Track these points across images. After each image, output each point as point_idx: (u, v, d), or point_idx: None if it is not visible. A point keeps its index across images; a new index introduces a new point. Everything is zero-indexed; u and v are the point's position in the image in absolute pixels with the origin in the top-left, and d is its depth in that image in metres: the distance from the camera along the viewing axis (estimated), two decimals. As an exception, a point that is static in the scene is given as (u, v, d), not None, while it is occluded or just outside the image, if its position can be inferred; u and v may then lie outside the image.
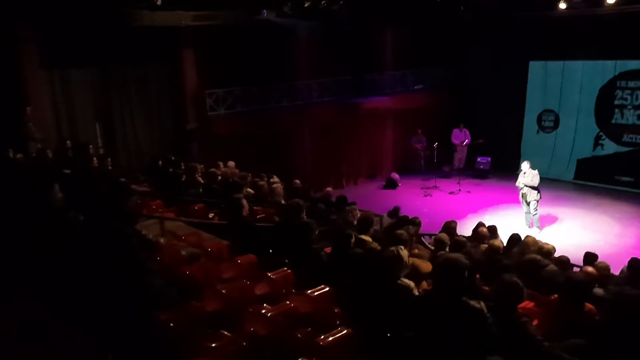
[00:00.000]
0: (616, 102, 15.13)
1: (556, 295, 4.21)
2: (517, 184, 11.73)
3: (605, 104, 15.28)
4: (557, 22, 14.93)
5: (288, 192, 7.28)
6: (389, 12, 14.12)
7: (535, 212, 11.66)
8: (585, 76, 15.58)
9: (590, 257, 6.81)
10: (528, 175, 11.50)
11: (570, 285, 4.09)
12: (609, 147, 15.31)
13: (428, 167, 16.47)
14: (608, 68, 15.15)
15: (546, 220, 12.00)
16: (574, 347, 3.50)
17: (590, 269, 5.78)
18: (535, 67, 16.63)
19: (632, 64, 14.71)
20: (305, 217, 5.50)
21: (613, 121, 15.24)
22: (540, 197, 11.59)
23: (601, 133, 15.45)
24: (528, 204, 11.63)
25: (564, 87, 16.05)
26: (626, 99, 14.96)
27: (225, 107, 13.12)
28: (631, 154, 14.90)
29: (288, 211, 5.63)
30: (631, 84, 14.85)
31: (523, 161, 12.01)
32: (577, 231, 11.51)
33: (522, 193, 11.65)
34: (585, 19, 14.36)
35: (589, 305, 4.13)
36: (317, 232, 5.01)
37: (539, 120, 16.74)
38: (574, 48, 15.15)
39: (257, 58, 12.96)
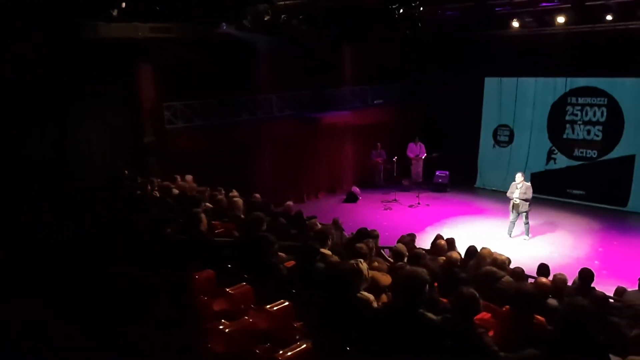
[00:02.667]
0: (567, 118, 15.60)
1: (508, 307, 4.28)
2: (509, 194, 12.06)
3: (557, 119, 15.74)
4: (511, 40, 15.36)
5: (248, 207, 7.24)
6: (348, 28, 14.25)
7: (527, 222, 12.05)
8: (538, 92, 16.03)
9: (543, 269, 6.97)
10: (522, 187, 11.84)
11: (520, 296, 4.18)
12: (561, 161, 15.75)
13: (388, 181, 16.66)
14: (559, 85, 15.61)
15: (502, 232, 12.25)
16: (528, 357, 3.56)
17: (544, 280, 5.90)
18: (490, 83, 17.02)
19: (582, 81, 15.21)
20: (265, 231, 5.48)
21: (564, 136, 15.69)
22: (531, 209, 12.00)
23: (553, 147, 15.88)
24: (518, 214, 11.97)
25: (517, 103, 16.47)
26: (576, 115, 15.44)
27: (184, 120, 12.94)
28: (582, 168, 15.37)
29: (248, 225, 5.60)
30: (581, 100, 15.33)
31: (516, 173, 12.26)
32: (531, 243, 11.79)
33: (515, 204, 11.93)
34: (537, 37, 14.80)
35: (538, 317, 4.22)
36: (276, 246, 4.99)
37: (495, 135, 17.11)
38: (526, 65, 15.57)
39: (217, 71, 12.89)
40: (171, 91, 12.61)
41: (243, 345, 3.61)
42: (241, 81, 13.67)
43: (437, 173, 16.75)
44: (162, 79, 12.52)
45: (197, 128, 13.07)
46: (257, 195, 7.85)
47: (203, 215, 5.58)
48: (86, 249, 5.11)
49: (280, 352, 3.49)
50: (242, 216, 6.94)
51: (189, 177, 8.98)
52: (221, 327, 3.72)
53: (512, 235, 12.11)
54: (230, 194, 7.93)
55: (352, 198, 15.56)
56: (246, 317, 3.96)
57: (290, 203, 8.32)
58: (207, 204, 7.08)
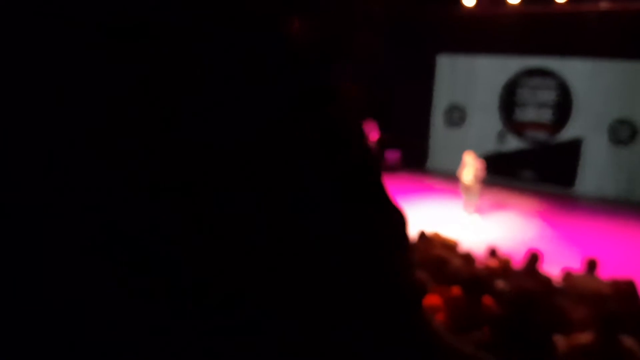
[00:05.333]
0: (518, 99, 15.81)
1: (457, 289, 4.24)
2: (460, 174, 12.13)
3: (508, 100, 15.94)
4: (464, 18, 15.41)
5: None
6: (294, 3, 13.96)
7: (476, 200, 12.16)
8: (490, 73, 16.16)
9: (492, 251, 7.01)
10: (473, 167, 11.93)
11: (468, 279, 4.13)
12: (512, 143, 15.99)
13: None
14: (511, 65, 15.79)
15: (453, 215, 12.34)
16: (475, 340, 3.52)
17: (492, 262, 5.92)
18: (443, 62, 17.07)
19: (533, 62, 15.40)
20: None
21: (515, 118, 15.92)
22: (481, 188, 12.17)
23: (505, 129, 16.09)
24: (471, 193, 12.07)
25: (470, 83, 16.58)
26: (527, 96, 15.66)
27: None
28: (532, 150, 15.65)
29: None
30: (532, 81, 15.55)
31: (466, 154, 12.27)
32: (481, 225, 11.91)
33: (466, 184, 12.00)
34: (490, 16, 14.90)
35: (488, 298, 4.18)
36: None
37: (447, 115, 17.21)
38: (479, 44, 15.66)
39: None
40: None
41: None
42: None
43: (387, 154, 16.75)
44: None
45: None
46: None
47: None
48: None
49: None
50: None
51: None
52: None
53: (468, 214, 12.21)
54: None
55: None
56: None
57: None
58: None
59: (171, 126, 0.27)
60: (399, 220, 0.40)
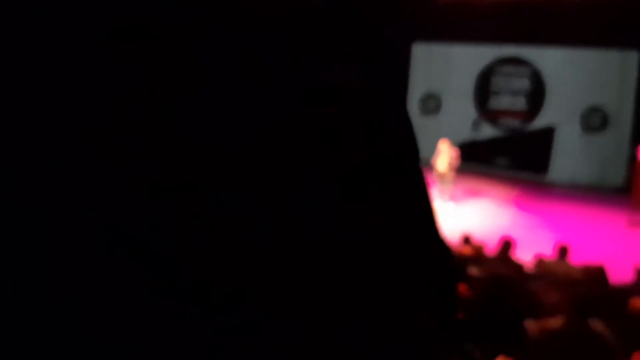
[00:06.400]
0: (493, 87, 15.94)
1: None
2: (434, 162, 12.21)
3: (483, 88, 16.06)
4: (439, 6, 15.45)
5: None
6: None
7: (450, 187, 12.25)
8: (465, 61, 16.25)
9: (466, 238, 7.07)
10: (448, 155, 12.10)
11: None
12: (487, 131, 16.12)
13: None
14: (486, 53, 15.90)
15: (428, 202, 12.41)
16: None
17: (465, 249, 5.97)
18: (419, 50, 17.11)
19: (508, 50, 15.53)
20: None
21: (490, 106, 16.05)
22: (454, 175, 12.32)
23: (479, 117, 16.21)
24: (444, 181, 12.19)
25: (445, 71, 16.63)
26: (502, 84, 15.80)
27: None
28: (507, 138, 15.81)
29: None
30: (506, 69, 15.68)
31: (440, 142, 12.45)
32: (455, 213, 12.00)
33: (442, 173, 12.08)
34: (466, 4, 14.98)
35: (461, 285, 4.21)
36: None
37: (423, 103, 17.27)
38: (455, 32, 15.72)
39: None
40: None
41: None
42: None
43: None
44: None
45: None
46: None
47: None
48: None
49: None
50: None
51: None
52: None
53: (443, 202, 12.29)
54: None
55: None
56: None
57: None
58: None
59: (171, 126, 0.27)
60: (403, 220, 0.40)
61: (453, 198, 12.39)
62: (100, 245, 0.25)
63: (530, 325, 3.51)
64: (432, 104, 17.08)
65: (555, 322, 3.56)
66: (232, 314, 0.28)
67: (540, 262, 6.64)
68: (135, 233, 0.26)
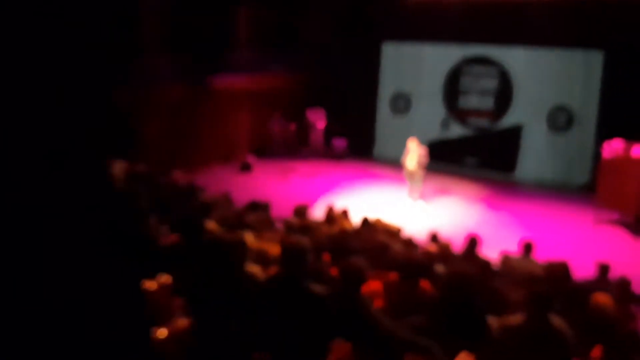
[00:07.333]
0: (461, 87, 16.11)
1: (395, 274, 4.28)
2: (404, 161, 12.33)
3: (451, 88, 16.22)
4: (409, 6, 15.59)
5: (129, 178, 6.84)
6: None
7: (419, 186, 12.39)
8: (434, 60, 16.39)
9: (433, 236, 7.12)
10: (417, 153, 12.15)
11: (407, 264, 4.18)
12: (456, 130, 16.28)
13: (285, 150, 16.51)
14: (454, 53, 16.06)
15: (398, 201, 12.49)
16: (413, 325, 3.56)
17: (432, 247, 6.01)
18: (388, 50, 17.19)
19: (476, 50, 15.70)
20: (145, 204, 5.17)
21: (459, 105, 16.22)
22: (424, 174, 12.46)
23: (448, 116, 16.35)
24: (414, 180, 12.32)
25: (414, 71, 16.76)
26: (470, 84, 15.96)
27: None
28: (475, 137, 15.99)
29: (125, 198, 5.26)
30: (474, 69, 15.85)
31: (409, 141, 12.47)
32: (425, 212, 12.10)
33: (412, 172, 12.19)
34: (435, 4, 15.13)
35: (425, 283, 4.24)
36: (155, 220, 4.72)
37: (393, 102, 17.35)
38: (424, 32, 15.86)
39: (99, 30, 11.91)
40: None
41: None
42: (126, 42, 12.65)
43: (334, 142, 16.82)
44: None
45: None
46: (140, 165, 7.41)
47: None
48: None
49: (157, 330, 3.30)
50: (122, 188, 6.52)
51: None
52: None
53: (413, 200, 12.37)
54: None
55: (246, 167, 15.20)
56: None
57: (178, 173, 7.93)
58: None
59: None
60: None
61: (423, 196, 12.49)
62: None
63: (493, 321, 3.54)
64: (401, 103, 17.17)
65: (515, 318, 3.60)
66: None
67: (505, 259, 6.73)
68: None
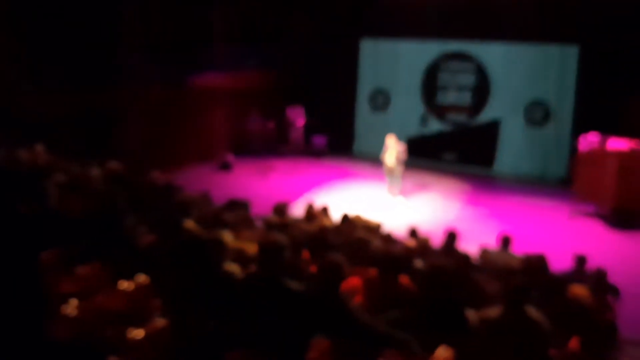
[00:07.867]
0: (439, 83, 16.21)
1: (374, 270, 4.29)
2: (383, 157, 12.37)
3: (430, 84, 16.31)
4: (386, 2, 15.64)
5: (106, 179, 6.75)
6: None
7: (399, 183, 12.41)
8: (412, 56, 16.47)
9: (412, 231, 7.15)
10: (396, 149, 12.21)
11: (386, 259, 4.18)
12: (435, 126, 16.37)
13: (264, 148, 16.45)
14: (432, 49, 16.15)
15: (378, 198, 12.52)
16: (392, 319, 3.57)
17: (411, 242, 6.03)
18: (367, 46, 17.22)
19: (453, 46, 15.83)
20: (123, 204, 5.11)
21: (437, 101, 16.32)
22: (403, 170, 12.49)
23: (427, 112, 16.44)
24: (393, 176, 12.35)
25: (393, 67, 16.82)
26: (448, 80, 16.06)
27: (33, 83, 11.59)
28: (453, 132, 16.10)
29: (104, 199, 5.20)
30: (452, 65, 15.95)
31: (388, 137, 12.51)
32: (404, 207, 12.15)
33: (391, 168, 12.23)
34: (411, 0, 15.19)
35: (404, 278, 4.25)
36: (133, 220, 4.66)
37: (372, 99, 17.39)
38: (402, 28, 15.91)
39: (75, 30, 11.73)
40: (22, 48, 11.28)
41: (91, 328, 3.32)
42: (102, 41, 12.48)
43: (314, 139, 16.81)
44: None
45: (50, 92, 11.76)
46: (118, 165, 7.31)
47: (54, 189, 5.11)
48: None
49: (134, 331, 3.27)
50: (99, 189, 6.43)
51: (39, 147, 8.15)
52: (67, 309, 3.39)
53: (392, 196, 12.42)
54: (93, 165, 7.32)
55: (225, 166, 15.11)
56: (97, 298, 3.65)
57: (157, 173, 7.86)
58: (60, 176, 6.48)
59: None
60: None
61: (402, 192, 12.53)
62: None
63: (471, 314, 3.56)
64: (380, 100, 17.22)
65: (493, 311, 3.63)
66: None
67: (484, 253, 6.78)
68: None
